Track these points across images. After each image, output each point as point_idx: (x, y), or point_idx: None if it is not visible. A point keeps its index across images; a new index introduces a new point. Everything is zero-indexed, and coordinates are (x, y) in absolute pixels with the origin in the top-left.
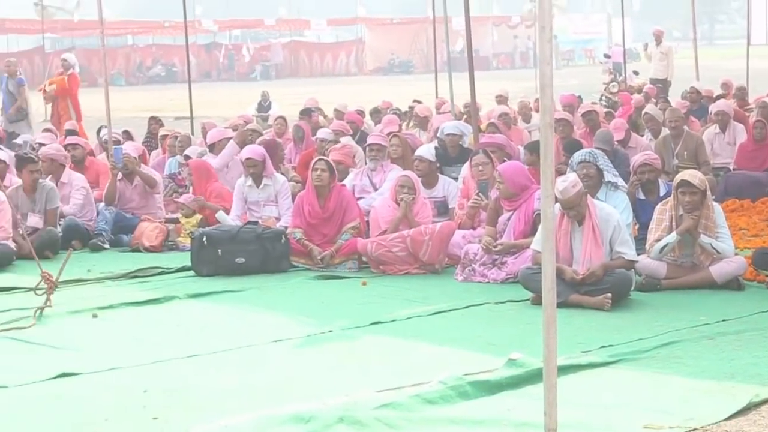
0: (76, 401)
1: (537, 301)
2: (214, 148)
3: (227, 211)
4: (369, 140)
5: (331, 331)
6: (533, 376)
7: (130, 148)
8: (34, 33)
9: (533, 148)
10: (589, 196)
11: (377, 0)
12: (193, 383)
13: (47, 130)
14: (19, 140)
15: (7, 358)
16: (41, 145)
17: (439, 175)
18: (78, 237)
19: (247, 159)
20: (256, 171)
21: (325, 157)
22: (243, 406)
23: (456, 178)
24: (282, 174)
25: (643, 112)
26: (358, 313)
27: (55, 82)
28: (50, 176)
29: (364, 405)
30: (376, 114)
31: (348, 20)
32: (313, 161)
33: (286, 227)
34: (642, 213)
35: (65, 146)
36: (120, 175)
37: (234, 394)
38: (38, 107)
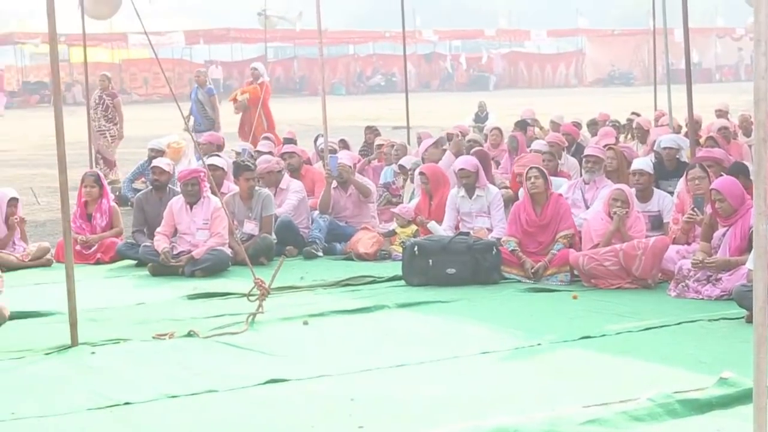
0: (283, 407)
1: (751, 320)
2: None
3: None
4: (586, 152)
5: (539, 344)
6: (744, 396)
7: (346, 157)
8: (257, 42)
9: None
10: None
11: (598, 11)
12: (399, 393)
13: (266, 137)
14: (237, 148)
15: (218, 363)
16: (259, 153)
17: (654, 188)
18: (292, 243)
19: (461, 170)
20: (469, 182)
21: (537, 165)
22: (448, 417)
23: (672, 192)
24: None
25: None
26: (567, 327)
27: (247, 91)
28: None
29: (570, 420)
30: (593, 126)
31: (569, 31)
32: (526, 170)
33: (498, 239)
34: None
35: (282, 154)
36: (335, 184)
37: (440, 404)
38: (224, 116)
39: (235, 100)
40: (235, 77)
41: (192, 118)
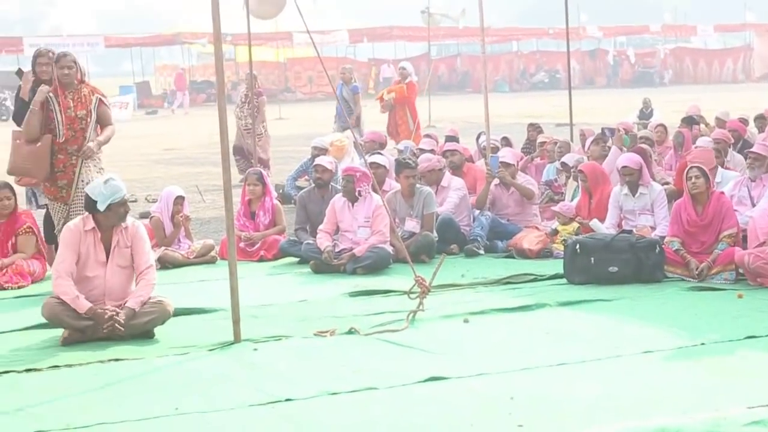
0: (443, 405)
1: None
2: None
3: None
4: (754, 150)
5: (702, 344)
6: None
7: (508, 155)
8: (420, 40)
9: None
10: None
11: (767, 5)
12: (559, 392)
13: (427, 135)
14: (400, 146)
15: (378, 361)
16: (422, 151)
17: None
18: (453, 240)
19: (624, 167)
20: (632, 179)
21: (698, 164)
22: (609, 416)
23: None
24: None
25: None
26: (731, 327)
27: (393, 90)
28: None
29: (734, 421)
30: (761, 121)
31: (736, 26)
32: (687, 169)
33: (662, 237)
34: None
35: (443, 152)
36: (496, 181)
37: (600, 404)
38: (368, 115)
39: (381, 99)
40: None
41: (337, 116)
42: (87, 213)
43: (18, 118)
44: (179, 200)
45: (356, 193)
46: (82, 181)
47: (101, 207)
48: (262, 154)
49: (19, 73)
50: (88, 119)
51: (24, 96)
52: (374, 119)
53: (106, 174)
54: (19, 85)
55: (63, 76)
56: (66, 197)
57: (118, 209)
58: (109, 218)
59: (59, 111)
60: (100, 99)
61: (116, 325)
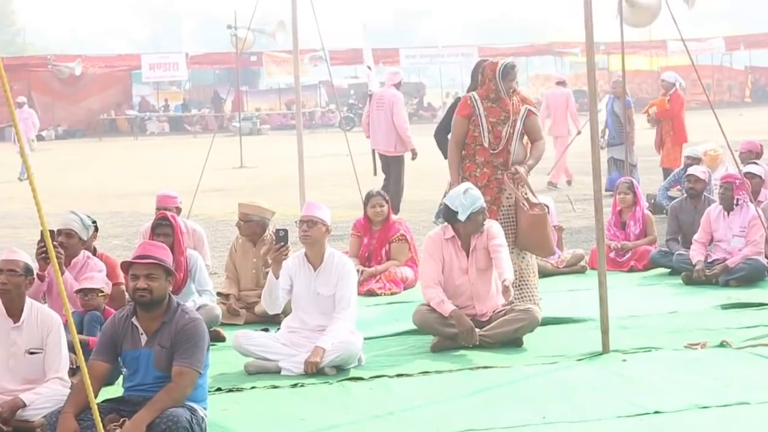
0: None
1: None
2: None
3: None
4: None
5: None
6: None
7: None
8: None
9: None
10: None
11: None
12: None
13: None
14: None
15: (750, 375)
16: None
17: None
18: None
19: None
20: None
21: None
22: None
23: None
24: None
25: None
26: None
27: (655, 104)
28: None
29: None
30: None
31: None
32: None
33: None
34: None
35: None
36: None
37: None
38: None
39: (647, 113)
40: None
41: (607, 131)
42: (446, 223)
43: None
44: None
45: (734, 202)
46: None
47: (462, 217)
48: (631, 161)
49: None
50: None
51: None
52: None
53: (464, 184)
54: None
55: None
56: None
57: (477, 217)
58: (467, 227)
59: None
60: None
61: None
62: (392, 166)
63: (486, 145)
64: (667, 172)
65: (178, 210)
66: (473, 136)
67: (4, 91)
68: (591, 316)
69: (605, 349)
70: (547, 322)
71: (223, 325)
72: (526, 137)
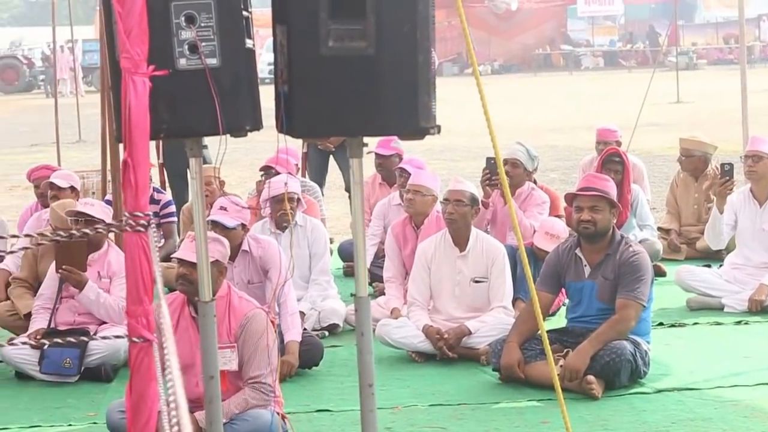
0: None
1: None
2: None
3: None
4: None
5: None
6: None
7: None
8: None
9: None
10: None
11: None
12: None
13: None
14: None
15: None
16: None
17: None
18: None
19: None
20: None
21: None
22: None
23: None
24: None
25: None
26: None
27: None
28: None
29: None
30: None
31: None
32: None
33: None
34: None
35: None
36: None
37: None
38: None
39: None
40: None
41: None
42: None
43: None
44: None
45: None
46: None
47: None
48: None
49: None
50: None
51: None
52: None
53: None
54: None
55: None
56: None
57: None
58: None
59: None
60: None
61: None
62: None
63: None
64: None
65: (618, 143)
66: None
67: (462, 24)
68: None
69: None
70: None
71: (663, 260)
72: None
